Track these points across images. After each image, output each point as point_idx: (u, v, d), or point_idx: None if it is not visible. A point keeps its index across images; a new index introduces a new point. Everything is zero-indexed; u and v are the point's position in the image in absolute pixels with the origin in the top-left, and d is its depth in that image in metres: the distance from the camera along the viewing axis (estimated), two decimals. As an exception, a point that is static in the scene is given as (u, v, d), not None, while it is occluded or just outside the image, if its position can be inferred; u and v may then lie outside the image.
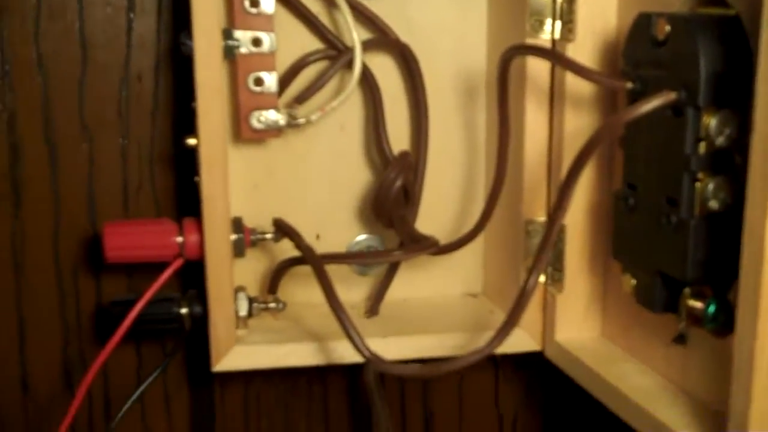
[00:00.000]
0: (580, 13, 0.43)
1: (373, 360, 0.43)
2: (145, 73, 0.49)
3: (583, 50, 0.43)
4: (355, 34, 0.46)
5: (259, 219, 0.48)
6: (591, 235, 0.46)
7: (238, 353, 0.46)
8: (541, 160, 0.46)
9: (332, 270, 0.45)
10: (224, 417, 0.55)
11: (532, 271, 0.43)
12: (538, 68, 0.45)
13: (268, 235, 0.47)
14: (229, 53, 0.45)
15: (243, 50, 0.45)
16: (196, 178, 0.44)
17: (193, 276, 0.48)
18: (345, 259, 0.48)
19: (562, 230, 0.46)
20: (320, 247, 0.49)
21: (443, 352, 0.48)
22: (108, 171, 0.49)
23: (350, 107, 0.50)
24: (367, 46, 0.48)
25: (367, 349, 0.43)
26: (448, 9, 0.50)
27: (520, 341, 0.48)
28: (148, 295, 0.46)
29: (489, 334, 0.46)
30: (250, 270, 0.50)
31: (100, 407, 0.53)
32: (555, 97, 0.45)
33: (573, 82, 0.44)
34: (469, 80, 0.51)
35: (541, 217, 0.48)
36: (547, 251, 0.42)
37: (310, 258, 0.45)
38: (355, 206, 0.51)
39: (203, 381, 0.54)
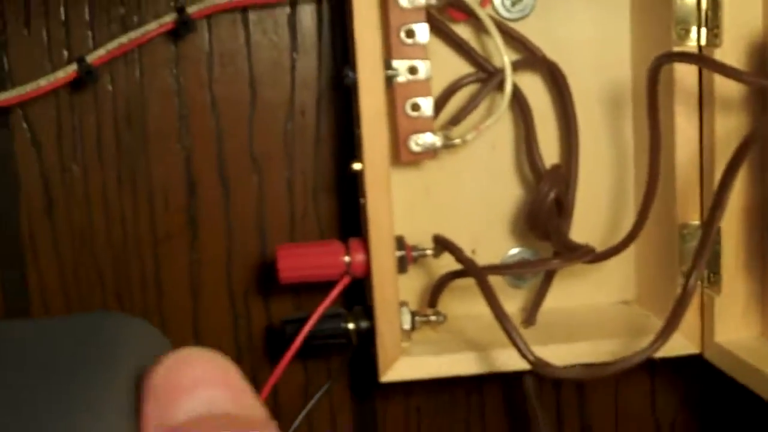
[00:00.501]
0: (726, 19, 0.44)
1: (538, 364, 0.45)
2: (308, 108, 0.52)
3: (730, 54, 0.45)
4: (506, 57, 0.49)
5: (416, 237, 0.51)
6: (746, 235, 0.47)
7: (404, 364, 0.49)
8: (693, 164, 0.48)
9: (488, 283, 0.47)
10: (385, 429, 0.57)
11: (691, 273, 0.44)
12: (686, 75, 0.47)
13: (429, 251, 0.50)
14: (388, 82, 0.48)
15: (401, 79, 0.48)
16: (361, 200, 0.48)
17: (353, 293, 0.51)
18: (505, 269, 0.50)
19: (717, 232, 0.47)
20: (476, 261, 0.51)
21: (601, 357, 0.49)
22: (275, 201, 0.53)
23: (499, 126, 0.52)
24: (516, 66, 0.50)
25: (532, 354, 0.45)
26: (592, 24, 0.52)
27: (679, 344, 0.49)
28: (319, 311, 0.49)
29: (646, 339, 0.48)
30: (410, 286, 0.53)
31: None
32: (704, 101, 0.47)
33: (722, 86, 0.45)
34: (615, 91, 0.53)
35: (695, 221, 0.49)
36: (706, 253, 0.43)
37: (472, 270, 0.47)
38: (508, 221, 0.54)
39: (366, 395, 0.56)
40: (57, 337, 0.33)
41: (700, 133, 0.47)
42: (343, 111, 0.52)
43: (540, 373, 0.45)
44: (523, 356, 0.45)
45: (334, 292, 0.48)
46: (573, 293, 0.55)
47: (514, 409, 0.58)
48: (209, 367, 0.23)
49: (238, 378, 0.23)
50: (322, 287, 0.51)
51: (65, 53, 0.51)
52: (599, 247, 0.51)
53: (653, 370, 0.58)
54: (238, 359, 0.54)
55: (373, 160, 0.47)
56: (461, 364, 0.49)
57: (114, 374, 0.29)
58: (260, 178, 0.53)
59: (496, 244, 0.54)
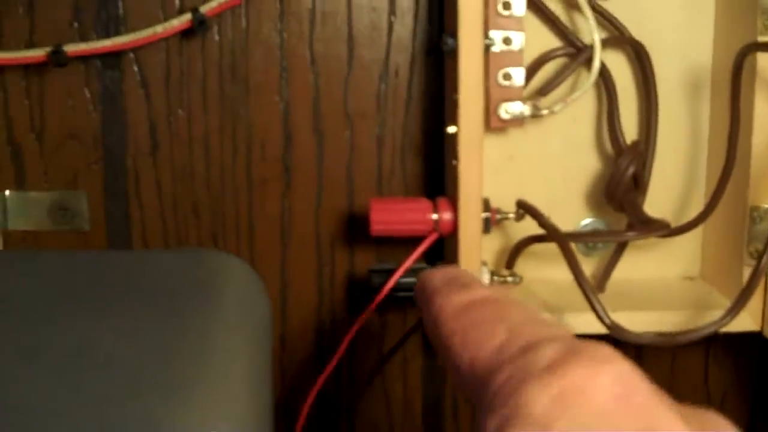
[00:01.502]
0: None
1: (614, 328, 0.48)
2: (402, 69, 0.55)
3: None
4: (596, 35, 0.51)
5: (497, 201, 0.54)
6: (817, 221, 0.49)
7: (480, 320, 0.52)
8: (769, 149, 0.50)
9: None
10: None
11: (764, 253, 0.47)
12: (769, 64, 0.49)
13: (511, 215, 0.53)
14: (485, 51, 0.50)
15: (495, 48, 0.50)
16: (453, 162, 0.50)
17: (433, 250, 0.53)
18: (584, 237, 0.53)
19: (789, 216, 0.49)
20: (555, 228, 0.53)
21: (666, 327, 0.51)
22: (365, 157, 0.56)
23: (581, 101, 0.54)
24: (604, 43, 0.52)
25: (609, 317, 0.48)
26: (678, 8, 0.54)
27: (743, 321, 0.52)
28: (407, 264, 0.52)
29: (710, 313, 0.51)
30: (489, 247, 0.56)
31: (345, 366, 0.59)
32: (788, 90, 0.49)
33: (808, 77, 0.47)
34: (695, 75, 0.55)
35: (766, 204, 0.51)
36: (779, 234, 0.46)
37: (555, 235, 0.50)
38: (583, 192, 0.56)
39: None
40: (163, 268, 0.36)
41: (779, 120, 0.50)
42: (435, 75, 0.55)
43: (615, 336, 0.48)
44: (600, 319, 0.47)
45: (422, 247, 0.51)
46: (640, 265, 0.57)
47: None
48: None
49: None
50: (404, 242, 0.54)
51: (177, 2, 0.53)
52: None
53: (709, 344, 0.60)
54: (320, 305, 0.58)
55: (468, 124, 0.49)
56: (534, 323, 0.52)
57: (217, 305, 0.32)
58: (352, 133, 0.55)
59: (569, 213, 0.56)
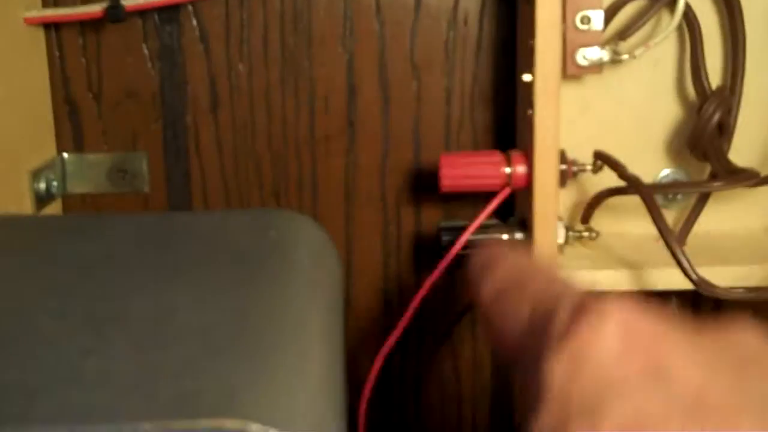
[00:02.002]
0: None
1: (702, 284, 0.45)
2: (471, 16, 0.52)
3: None
4: (681, -28, 0.48)
5: (573, 152, 0.51)
6: None
7: (558, 277, 0.50)
8: None
9: (639, 201, 0.48)
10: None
11: None
12: None
13: (588, 167, 0.50)
14: (561, -7, 0.47)
15: (572, -10, 0.48)
16: (528, 112, 0.48)
17: (503, 207, 0.51)
18: (670, 188, 0.50)
19: None
20: (635, 179, 0.51)
21: (753, 282, 0.49)
22: (433, 108, 0.53)
23: (662, 45, 0.51)
24: (688, -17, 0.49)
25: (696, 273, 0.45)
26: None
27: (837, 275, 0.49)
28: (479, 221, 0.50)
29: (799, 266, 0.48)
30: (562, 201, 0.53)
31: (413, 327, 0.57)
32: None
33: None
34: (785, 15, 0.51)
35: None
36: None
37: (637, 186, 0.47)
38: (663, 140, 0.53)
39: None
40: (233, 230, 0.34)
41: None
42: (506, 21, 0.52)
43: (703, 292, 0.45)
44: (687, 275, 0.45)
45: (495, 202, 0.49)
46: (722, 217, 0.54)
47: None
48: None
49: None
50: (473, 198, 0.52)
51: (234, -48, 0.51)
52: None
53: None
54: (386, 265, 0.56)
55: (544, 71, 0.46)
56: (615, 281, 0.50)
57: (291, 268, 0.30)
58: (419, 84, 0.53)
59: (649, 164, 0.54)
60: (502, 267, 0.30)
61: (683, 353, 0.23)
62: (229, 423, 0.20)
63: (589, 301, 0.25)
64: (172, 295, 0.27)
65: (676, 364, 0.23)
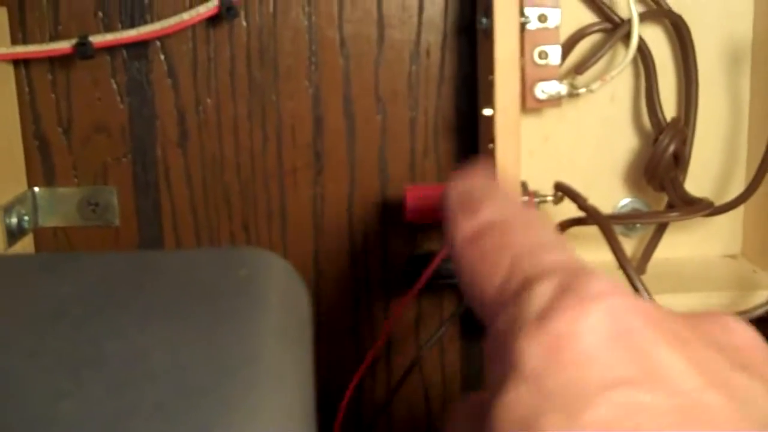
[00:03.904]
0: None
1: (659, 311, 0.47)
2: (433, 50, 0.53)
3: None
4: (634, 8, 0.49)
5: (535, 183, 0.52)
6: None
7: (520, 305, 0.51)
8: (820, 123, 0.48)
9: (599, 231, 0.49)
10: (488, 366, 0.59)
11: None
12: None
13: (549, 198, 0.52)
14: (520, 29, 0.49)
15: (531, 26, 0.49)
16: (489, 145, 0.49)
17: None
18: (625, 219, 0.52)
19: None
20: (594, 209, 0.52)
21: (712, 309, 0.51)
22: (398, 139, 0.55)
23: (619, 79, 0.53)
24: (641, 17, 0.51)
25: (653, 300, 0.47)
26: (716, -22, 0.53)
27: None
28: (444, 251, 0.51)
29: (755, 293, 0.50)
30: (525, 230, 0.55)
31: (382, 356, 0.58)
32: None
33: None
34: (735, 47, 0.53)
35: (812, 179, 0.50)
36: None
37: (596, 217, 0.48)
38: (621, 171, 0.55)
39: (475, 335, 0.59)
40: (205, 269, 0.35)
41: (829, 93, 0.48)
42: (467, 54, 0.54)
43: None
44: (644, 302, 0.46)
45: (459, 232, 0.50)
46: (680, 245, 0.56)
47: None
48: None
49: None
50: (440, 227, 0.53)
51: (202, -12, 0.52)
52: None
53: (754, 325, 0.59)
54: (356, 292, 0.57)
55: (504, 105, 0.48)
56: (575, 307, 0.51)
57: (262, 307, 0.31)
58: (384, 116, 0.54)
59: (608, 193, 0.55)
60: (484, 205, 0.26)
61: (677, 349, 0.21)
62: (199, 463, 0.21)
63: (577, 278, 0.22)
64: (146, 336, 0.27)
65: (670, 360, 0.21)
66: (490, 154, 0.49)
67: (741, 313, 0.46)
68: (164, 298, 0.30)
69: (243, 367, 0.26)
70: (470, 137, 0.55)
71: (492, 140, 0.49)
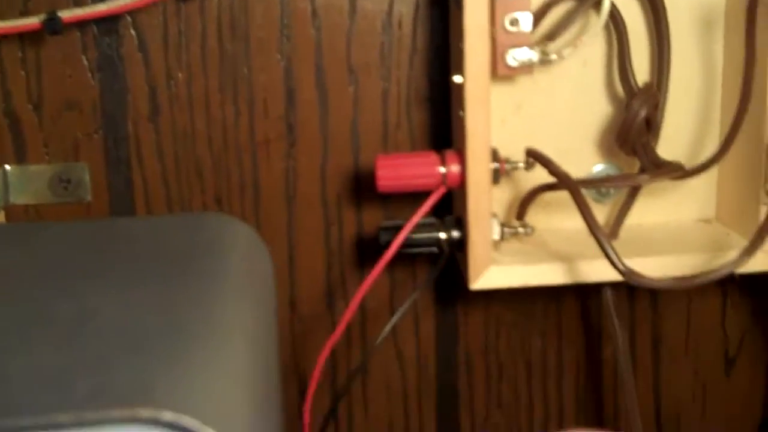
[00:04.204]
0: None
1: (629, 274, 0.47)
2: (405, 20, 0.53)
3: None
4: (603, -27, 0.49)
5: (506, 151, 0.52)
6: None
7: (494, 273, 0.51)
8: (787, 85, 0.48)
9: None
10: (466, 336, 0.60)
11: (781, 190, 0.46)
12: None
13: (521, 164, 0.52)
14: (489, -4, 0.48)
15: (500, -7, 0.49)
16: (460, 113, 0.49)
17: (441, 205, 0.52)
18: (596, 183, 0.52)
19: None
20: (566, 175, 0.52)
21: (682, 271, 0.50)
22: (370, 110, 0.54)
23: (591, 45, 0.53)
24: (612, -17, 0.51)
25: (623, 264, 0.47)
26: (687, -57, 0.52)
27: (760, 261, 0.51)
28: (415, 219, 0.51)
29: (727, 255, 0.50)
30: (498, 198, 0.55)
31: (357, 326, 0.58)
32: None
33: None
34: (708, 12, 0.53)
35: (783, 142, 0.50)
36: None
37: (566, 181, 0.48)
38: (594, 138, 0.55)
39: (448, 304, 0.59)
40: (164, 233, 0.35)
41: (796, 54, 0.48)
42: (439, 25, 0.53)
43: (631, 282, 0.47)
44: (614, 266, 0.47)
45: (430, 201, 0.50)
46: (654, 210, 0.56)
47: (588, 321, 0.60)
48: None
49: None
50: (412, 198, 0.53)
51: (170, -39, 0.52)
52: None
53: (726, 286, 0.59)
54: (329, 265, 0.57)
55: (474, 73, 0.48)
56: (549, 275, 0.51)
57: (220, 268, 0.31)
58: (356, 88, 0.54)
59: (581, 160, 0.55)
60: None
61: None
62: (142, 412, 0.21)
63: None
64: (99, 296, 0.27)
65: None
66: (461, 123, 0.49)
67: (708, 273, 0.46)
68: (123, 262, 0.30)
69: (193, 324, 0.26)
70: (443, 108, 0.55)
71: (462, 108, 0.49)
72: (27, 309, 0.26)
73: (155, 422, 0.21)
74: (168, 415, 0.21)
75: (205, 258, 0.31)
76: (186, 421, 0.21)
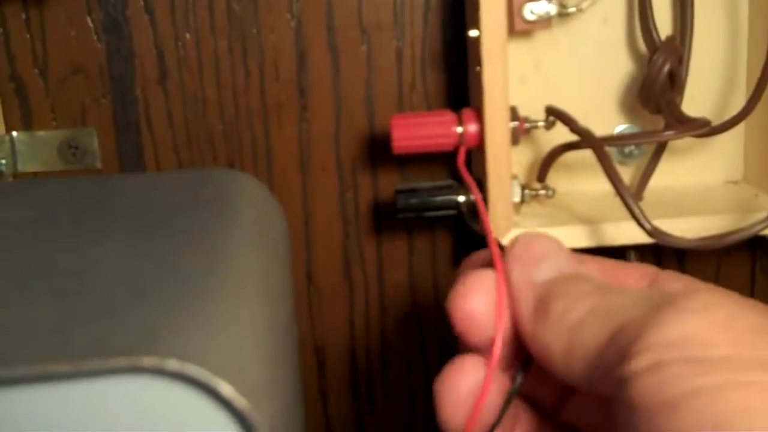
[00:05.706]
0: None
1: (656, 233, 0.45)
2: (418, -24, 0.52)
3: None
4: None
5: (527, 111, 0.51)
6: None
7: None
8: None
9: (595, 159, 0.47)
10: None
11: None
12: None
13: (540, 123, 0.50)
14: (506, -53, 0.47)
15: (517, -56, 0.47)
16: (476, 69, 0.47)
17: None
18: (620, 140, 0.50)
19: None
20: (589, 134, 0.50)
21: (710, 233, 0.49)
22: (384, 72, 0.53)
23: (611, -1, 0.51)
24: (633, -67, 0.49)
25: (650, 223, 0.45)
26: None
27: (792, 222, 0.49)
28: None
29: (755, 215, 0.48)
30: (518, 160, 0.53)
31: (375, 292, 0.57)
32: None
33: None
34: (733, -37, 0.51)
35: (814, 96, 0.48)
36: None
37: (589, 139, 0.47)
38: (616, 96, 0.53)
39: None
40: (171, 188, 0.34)
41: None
42: (454, -20, 0.52)
43: (657, 242, 0.45)
44: (640, 224, 0.45)
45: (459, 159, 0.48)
46: (679, 172, 0.54)
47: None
48: (550, 242, 0.32)
49: (568, 251, 0.32)
50: (429, 159, 0.52)
51: None
52: (710, 123, 0.50)
53: (755, 249, 0.58)
54: (345, 231, 0.55)
55: (490, 26, 0.46)
56: (572, 238, 0.49)
57: (230, 221, 0.30)
58: (369, 48, 0.52)
59: (603, 119, 0.53)
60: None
61: None
62: (145, 360, 0.20)
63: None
64: (99, 249, 0.26)
65: None
66: (477, 79, 0.47)
67: (737, 232, 0.45)
68: (125, 215, 0.29)
69: (197, 277, 0.25)
70: (459, 69, 0.53)
71: (479, 63, 0.47)
72: (26, 261, 0.25)
73: (159, 372, 0.20)
74: (173, 364, 0.20)
75: (212, 211, 0.30)
76: (192, 369, 0.20)
